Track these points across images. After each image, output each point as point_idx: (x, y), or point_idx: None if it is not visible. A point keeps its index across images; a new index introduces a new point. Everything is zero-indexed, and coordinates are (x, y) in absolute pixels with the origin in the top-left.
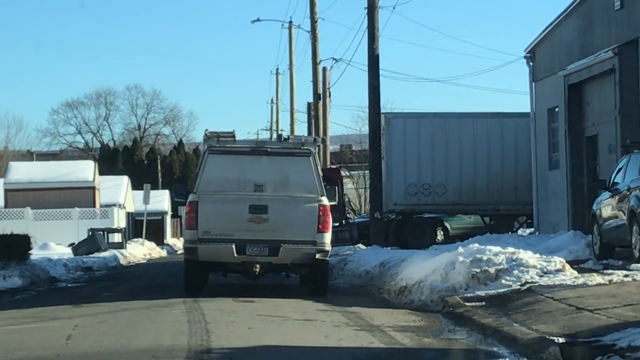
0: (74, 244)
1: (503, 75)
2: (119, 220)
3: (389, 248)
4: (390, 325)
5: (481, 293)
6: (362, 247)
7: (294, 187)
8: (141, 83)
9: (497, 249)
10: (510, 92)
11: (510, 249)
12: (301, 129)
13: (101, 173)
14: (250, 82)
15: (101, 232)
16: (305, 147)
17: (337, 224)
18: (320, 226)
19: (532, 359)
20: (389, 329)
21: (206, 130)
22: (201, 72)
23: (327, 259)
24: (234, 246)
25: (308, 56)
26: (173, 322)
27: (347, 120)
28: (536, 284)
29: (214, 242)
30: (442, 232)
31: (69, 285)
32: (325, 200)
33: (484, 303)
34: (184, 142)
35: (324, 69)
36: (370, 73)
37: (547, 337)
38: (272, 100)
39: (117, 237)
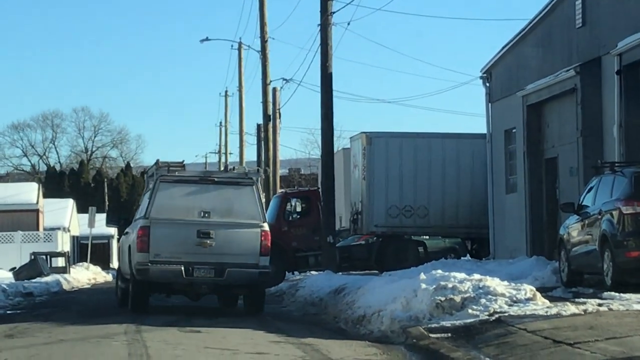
0: (15, 268)
1: (458, 97)
2: (63, 243)
3: (340, 274)
4: None
5: (446, 323)
6: (314, 272)
7: (238, 213)
8: (89, 105)
9: (462, 275)
10: (465, 114)
11: (477, 276)
12: (250, 152)
13: (48, 196)
14: (199, 105)
15: (44, 256)
16: (249, 177)
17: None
18: (262, 250)
19: None
20: None
21: (157, 160)
22: (149, 95)
23: (267, 280)
24: (182, 268)
25: (258, 77)
26: (112, 356)
27: (296, 143)
28: (506, 314)
29: (164, 264)
30: (425, 255)
31: (8, 312)
32: (266, 226)
33: (450, 334)
34: (131, 165)
35: (274, 90)
36: (323, 92)
37: None
38: (220, 122)
39: (60, 262)
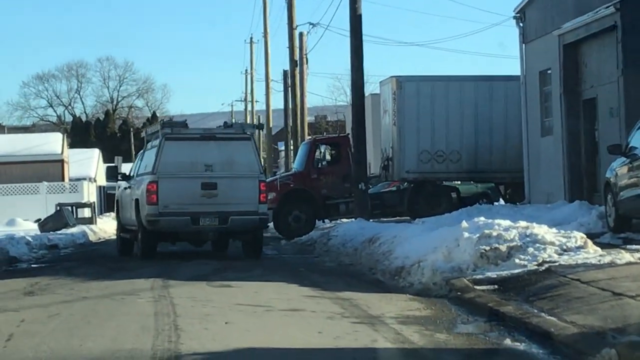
0: (40, 219)
1: (490, 38)
2: (89, 194)
3: (371, 221)
4: (392, 316)
5: (492, 274)
6: (344, 220)
7: (238, 166)
8: (113, 55)
9: (507, 222)
10: (497, 56)
11: (523, 223)
12: (277, 99)
13: (73, 146)
14: (224, 53)
15: (69, 207)
16: (246, 133)
17: (348, 195)
18: (260, 198)
19: None
20: (391, 320)
21: (161, 120)
22: (174, 44)
23: (265, 226)
24: (190, 218)
25: (284, 22)
26: (137, 315)
27: (322, 90)
28: (556, 264)
29: (173, 215)
30: (458, 201)
31: (32, 265)
32: (263, 177)
33: (496, 286)
34: (157, 115)
35: (301, 35)
36: (352, 35)
37: (591, 332)
38: (246, 70)
39: (87, 212)
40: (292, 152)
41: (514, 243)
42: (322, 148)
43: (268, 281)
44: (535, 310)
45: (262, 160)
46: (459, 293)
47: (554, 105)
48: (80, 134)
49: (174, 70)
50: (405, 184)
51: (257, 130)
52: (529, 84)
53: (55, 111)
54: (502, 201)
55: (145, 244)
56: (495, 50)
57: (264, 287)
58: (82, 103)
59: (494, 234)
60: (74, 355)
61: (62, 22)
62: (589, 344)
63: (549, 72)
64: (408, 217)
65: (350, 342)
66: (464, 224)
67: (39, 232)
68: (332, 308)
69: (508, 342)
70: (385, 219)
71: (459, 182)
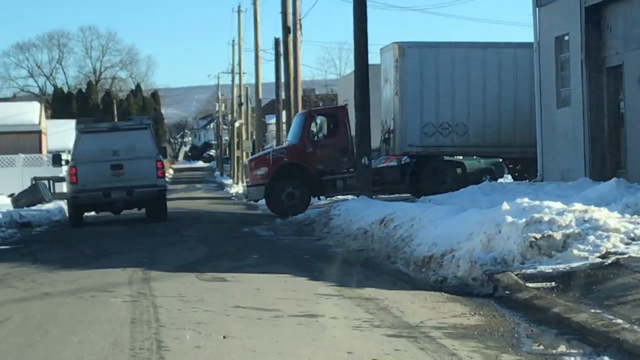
0: (13, 194)
1: (499, 3)
2: None
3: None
4: (435, 325)
5: (546, 268)
6: (340, 197)
7: (139, 150)
8: (96, 24)
9: (559, 205)
10: (506, 23)
11: (580, 206)
12: (266, 70)
13: (55, 118)
14: (211, 24)
15: (46, 182)
16: (144, 124)
17: (345, 170)
18: (157, 174)
19: None
20: (436, 332)
21: (78, 119)
22: (159, 13)
23: (165, 195)
24: (102, 193)
25: None
26: (109, 322)
27: (311, 62)
28: (625, 256)
29: (90, 192)
30: (463, 177)
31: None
32: (159, 157)
33: (554, 284)
34: (142, 87)
35: None
36: None
37: None
38: (233, 40)
39: (65, 187)
40: (284, 124)
41: (571, 230)
42: (318, 120)
43: (269, 272)
44: (621, 321)
45: (157, 144)
46: (507, 292)
47: (572, 74)
48: (62, 105)
49: (158, 41)
50: (406, 158)
51: (152, 122)
52: (543, 51)
53: (36, 82)
54: (509, 177)
55: (72, 214)
56: (502, 16)
57: (266, 281)
58: (64, 73)
59: (545, 218)
60: None
61: None
62: None
63: (566, 38)
64: (409, 195)
65: None
66: (505, 205)
67: (11, 208)
68: (357, 313)
69: None
70: (383, 196)
71: (461, 157)
